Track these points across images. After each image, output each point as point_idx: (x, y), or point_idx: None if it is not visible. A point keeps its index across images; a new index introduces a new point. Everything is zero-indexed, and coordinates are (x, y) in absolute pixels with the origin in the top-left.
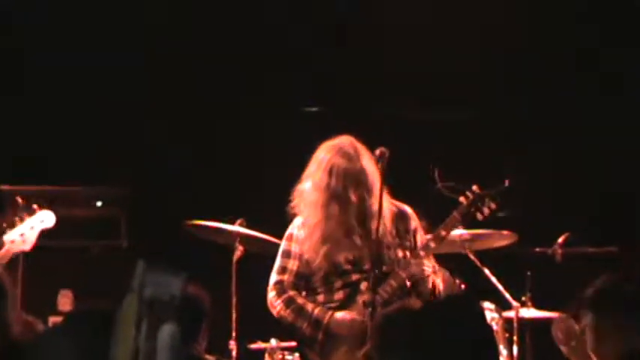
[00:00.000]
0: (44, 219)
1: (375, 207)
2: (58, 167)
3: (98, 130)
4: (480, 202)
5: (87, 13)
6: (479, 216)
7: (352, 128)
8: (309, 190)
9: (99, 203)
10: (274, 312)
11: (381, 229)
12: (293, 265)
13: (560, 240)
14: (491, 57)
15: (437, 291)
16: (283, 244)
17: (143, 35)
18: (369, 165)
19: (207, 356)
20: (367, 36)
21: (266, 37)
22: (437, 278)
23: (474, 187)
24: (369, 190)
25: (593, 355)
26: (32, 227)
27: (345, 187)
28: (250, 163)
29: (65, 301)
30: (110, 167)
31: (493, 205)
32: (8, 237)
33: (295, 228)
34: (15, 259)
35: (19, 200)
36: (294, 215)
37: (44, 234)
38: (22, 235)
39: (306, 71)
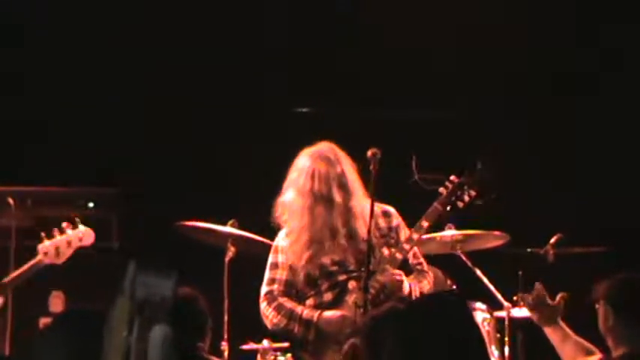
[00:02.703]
0: (84, 237)
1: (357, 208)
2: (50, 168)
3: (91, 131)
4: (460, 190)
5: (83, 13)
6: (459, 204)
7: (342, 129)
8: (292, 197)
9: (90, 204)
10: (267, 322)
11: (365, 229)
12: (281, 274)
13: (552, 240)
14: (481, 56)
15: (413, 296)
16: (270, 257)
17: (139, 35)
18: (349, 168)
19: (213, 357)
20: (360, 36)
21: (263, 38)
22: (419, 282)
23: (452, 177)
24: (350, 193)
25: (562, 323)
26: (69, 243)
27: (330, 189)
28: (242, 164)
29: (57, 302)
30: (102, 168)
31: (473, 193)
32: (43, 247)
33: (280, 240)
34: (6, 260)
35: (10, 201)
36: (279, 227)
37: (32, 235)
38: (57, 248)
39: (297, 72)
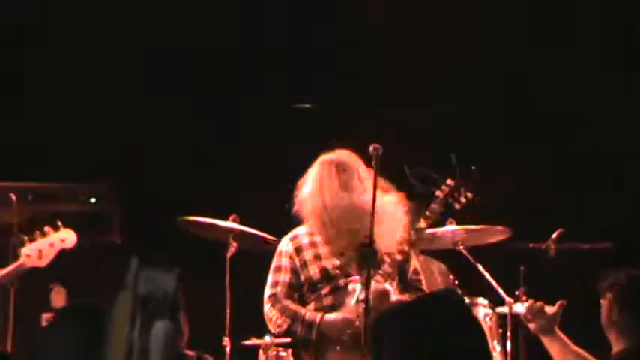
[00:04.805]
0: (66, 239)
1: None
2: (52, 163)
3: (92, 125)
4: (456, 192)
5: (85, 10)
6: (456, 206)
7: (344, 125)
8: (306, 205)
9: (92, 199)
10: (271, 324)
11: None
12: (285, 277)
13: (553, 236)
14: (487, 53)
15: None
16: (274, 261)
17: (140, 32)
18: (365, 177)
19: (188, 352)
20: (361, 33)
21: (263, 35)
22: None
23: (449, 180)
24: (366, 210)
25: (559, 332)
26: (52, 245)
27: (339, 217)
28: (243, 159)
29: (58, 297)
30: (104, 163)
31: (469, 195)
32: (26, 250)
33: (284, 244)
34: (6, 256)
35: (12, 197)
36: (296, 216)
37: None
38: (40, 250)
39: (300, 68)
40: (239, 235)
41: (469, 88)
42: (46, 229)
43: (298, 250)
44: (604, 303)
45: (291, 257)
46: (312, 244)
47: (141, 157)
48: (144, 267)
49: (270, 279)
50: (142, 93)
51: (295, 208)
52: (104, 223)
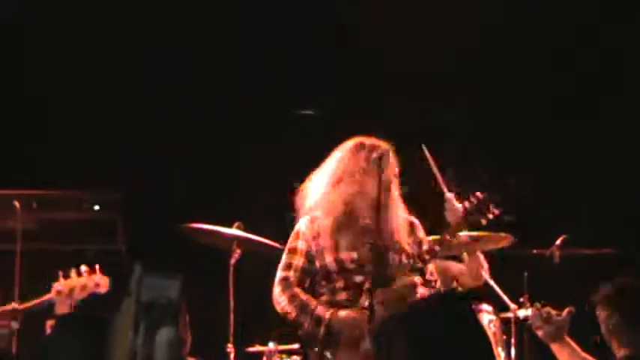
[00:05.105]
0: (100, 284)
1: (392, 215)
2: (57, 170)
3: (96, 133)
4: (484, 207)
5: (85, 10)
6: (483, 221)
7: (347, 131)
8: (325, 191)
9: (96, 207)
10: (279, 308)
11: (394, 230)
12: (299, 261)
13: (557, 242)
14: (488, 57)
15: None
16: (290, 242)
17: (140, 32)
18: (394, 172)
19: (191, 359)
20: (364, 38)
21: (263, 35)
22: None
23: (478, 194)
24: (387, 190)
25: (569, 339)
26: (84, 286)
27: (366, 190)
28: (246, 165)
29: (63, 304)
30: (107, 170)
31: (497, 211)
32: (57, 285)
33: (302, 225)
34: (11, 262)
35: (16, 204)
36: (295, 212)
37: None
38: (71, 289)
39: (300, 68)
40: (243, 242)
41: (469, 89)
42: (83, 269)
43: (317, 234)
44: (600, 314)
45: (307, 241)
46: (332, 232)
47: (144, 164)
48: (147, 274)
49: (283, 260)
50: (145, 98)
51: (301, 192)
52: (108, 231)
